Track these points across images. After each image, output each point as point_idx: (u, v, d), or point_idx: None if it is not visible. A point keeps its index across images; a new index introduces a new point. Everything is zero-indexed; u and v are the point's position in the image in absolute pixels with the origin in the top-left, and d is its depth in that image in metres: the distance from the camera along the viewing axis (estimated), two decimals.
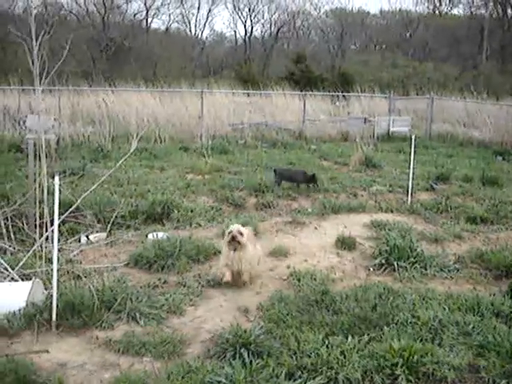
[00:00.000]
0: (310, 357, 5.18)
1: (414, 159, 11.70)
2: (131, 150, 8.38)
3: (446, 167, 16.11)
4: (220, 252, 8.10)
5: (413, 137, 11.97)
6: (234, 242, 6.96)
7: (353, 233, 9.32)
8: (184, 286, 7.13)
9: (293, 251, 8.55)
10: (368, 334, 5.72)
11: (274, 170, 13.35)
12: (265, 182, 12.38)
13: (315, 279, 7.23)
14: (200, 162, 15.52)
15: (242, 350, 5.29)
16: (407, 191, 11.92)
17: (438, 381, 5.12)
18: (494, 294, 7.06)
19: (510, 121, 23.28)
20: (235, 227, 7.08)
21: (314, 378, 4.92)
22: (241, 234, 6.96)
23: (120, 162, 8.48)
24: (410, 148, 11.75)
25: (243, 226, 7.43)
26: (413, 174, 11.77)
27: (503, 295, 7.08)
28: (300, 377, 4.97)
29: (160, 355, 5.46)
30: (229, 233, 7.02)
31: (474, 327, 6.01)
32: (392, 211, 11.21)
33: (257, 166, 14.87)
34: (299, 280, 7.26)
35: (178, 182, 12.94)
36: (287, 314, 6.19)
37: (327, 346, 5.34)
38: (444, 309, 6.35)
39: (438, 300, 6.65)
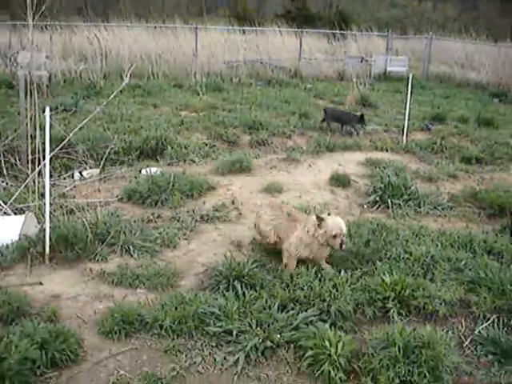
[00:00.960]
0: (302, 289, 5.22)
1: (410, 99, 11.54)
2: (123, 85, 8.24)
3: (442, 108, 15.96)
4: (214, 188, 8.11)
5: (410, 76, 11.77)
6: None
7: (347, 170, 9.30)
8: (178, 221, 7.12)
9: (287, 188, 8.52)
10: (361, 269, 5.76)
11: (324, 110, 13.35)
12: (259, 120, 12.24)
13: (309, 215, 7.19)
14: (194, 99, 15.32)
15: (236, 282, 5.32)
16: (403, 131, 11.81)
17: (428, 314, 5.18)
18: (486, 232, 7.11)
19: (507, 62, 22.97)
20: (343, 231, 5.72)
21: (306, 310, 4.97)
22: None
23: (111, 96, 8.34)
24: (407, 88, 11.58)
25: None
26: (409, 114, 11.63)
27: (496, 234, 7.12)
28: (292, 308, 5.02)
29: (154, 287, 5.49)
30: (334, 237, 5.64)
31: (466, 263, 6.06)
32: (387, 150, 11.14)
33: (251, 104, 14.66)
34: None
35: (172, 119, 12.75)
36: None
37: (320, 280, 5.37)
38: (436, 245, 6.38)
39: (430, 236, 6.68)
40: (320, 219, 5.67)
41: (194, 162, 9.77)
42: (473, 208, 8.15)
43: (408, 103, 11.50)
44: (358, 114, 13.13)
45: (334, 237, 5.57)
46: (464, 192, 8.67)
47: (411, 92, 11.56)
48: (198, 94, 15.81)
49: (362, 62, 23.52)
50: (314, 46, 26.44)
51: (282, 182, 8.71)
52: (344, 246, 5.65)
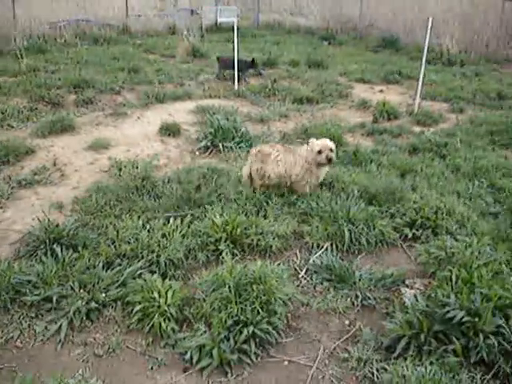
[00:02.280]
0: (129, 243, 4.84)
1: (240, 47, 11.35)
2: None
3: (273, 53, 15.97)
4: (33, 151, 7.47)
5: (235, 24, 11.54)
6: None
7: (178, 119, 8.96)
8: None
9: (115, 143, 8.02)
10: (191, 215, 5.47)
11: (217, 58, 13.18)
12: (84, 78, 11.47)
13: (137, 167, 6.79)
14: (14, 63, 14.08)
15: (55, 246, 4.82)
16: (233, 77, 11.63)
17: (262, 250, 5.04)
18: None
19: (335, 7, 23.54)
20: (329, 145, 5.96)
21: (134, 264, 4.60)
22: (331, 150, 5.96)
23: None
24: (233, 36, 11.36)
25: None
26: (238, 60, 11.46)
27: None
28: (120, 264, 4.64)
29: None
30: (318, 152, 5.86)
31: (298, 197, 5.98)
32: (219, 97, 10.90)
33: (76, 63, 13.76)
34: (120, 170, 6.79)
35: None
36: (105, 204, 5.76)
37: (148, 231, 5.02)
38: None
39: None
40: (309, 143, 6.01)
41: (12, 126, 8.90)
42: (304, 144, 8.13)
43: (237, 50, 11.30)
44: (249, 59, 13.14)
45: (319, 152, 5.83)
46: (295, 129, 8.66)
47: (242, 40, 11.39)
48: (19, 58, 14.55)
49: (192, 14, 23.04)
50: (144, 3, 25.46)
51: (110, 137, 8.19)
52: (332, 161, 5.94)
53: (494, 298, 3.84)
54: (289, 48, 18.16)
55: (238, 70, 12.30)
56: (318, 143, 5.93)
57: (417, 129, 9.33)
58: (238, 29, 11.40)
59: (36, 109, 9.98)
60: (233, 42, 11.44)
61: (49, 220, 5.13)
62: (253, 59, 13.08)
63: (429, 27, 9.58)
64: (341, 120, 9.47)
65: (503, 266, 4.56)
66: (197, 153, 7.73)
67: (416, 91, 10.38)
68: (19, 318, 4.16)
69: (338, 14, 23.27)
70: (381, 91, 12.47)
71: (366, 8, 21.81)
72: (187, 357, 3.74)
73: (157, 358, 3.79)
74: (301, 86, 12.25)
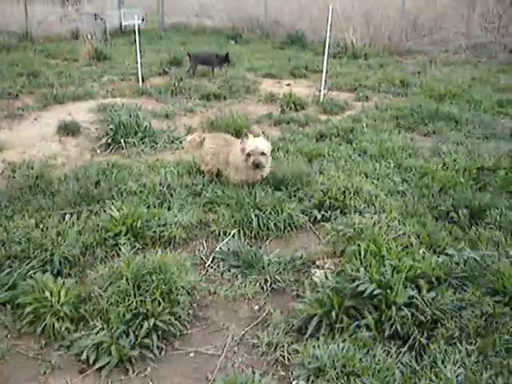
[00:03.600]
0: (20, 243, 4.45)
1: (145, 49, 11.09)
2: None
3: (178, 53, 15.68)
4: None
5: (136, 27, 11.18)
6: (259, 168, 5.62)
7: (78, 118, 8.52)
8: None
9: (9, 145, 7.51)
10: (89, 210, 5.14)
11: (188, 54, 13.30)
12: None
13: (32, 168, 6.36)
14: None
15: None
16: (138, 77, 11.30)
17: (166, 241, 4.80)
18: None
19: (240, 6, 23.52)
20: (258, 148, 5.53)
21: (25, 265, 4.23)
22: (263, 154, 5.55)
23: None
24: (135, 38, 11.00)
25: None
26: (141, 61, 11.13)
27: None
28: (10, 266, 4.24)
29: None
30: (247, 155, 5.50)
31: (203, 187, 5.77)
32: (124, 96, 10.54)
33: None
34: (14, 171, 6.34)
35: None
36: None
37: (42, 230, 4.65)
38: (173, 174, 5.99)
39: (167, 168, 6.25)
40: (242, 141, 5.65)
41: None
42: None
43: (139, 51, 10.97)
44: (223, 54, 13.35)
45: (248, 155, 5.46)
46: (202, 123, 8.45)
47: (148, 42, 11.08)
48: None
49: (96, 19, 22.40)
50: (45, 8, 24.58)
51: (3, 140, 7.66)
52: (261, 166, 5.54)
53: (405, 270, 3.76)
54: (195, 48, 17.90)
55: (212, 64, 13.19)
56: (249, 144, 5.49)
57: (323, 117, 9.32)
58: (139, 32, 11.06)
59: None
60: (135, 42, 11.08)
61: None
62: (227, 53, 13.29)
63: (329, 16, 9.60)
64: (249, 113, 9.32)
65: (412, 238, 4.52)
66: (98, 150, 7.37)
67: (321, 82, 10.40)
68: None
69: (244, 14, 23.26)
70: (288, 85, 12.43)
71: (270, 7, 21.87)
72: (83, 357, 3.43)
73: (50, 362, 3.46)
74: (207, 83, 12.03)
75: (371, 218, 4.79)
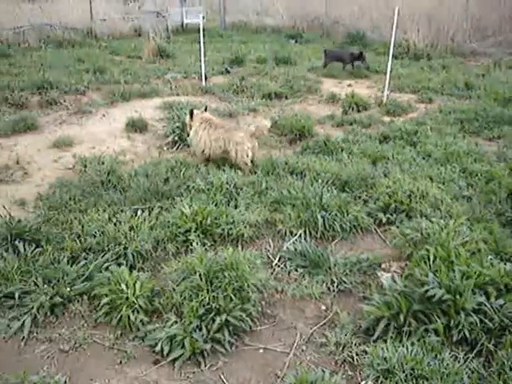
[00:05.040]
0: (95, 237, 4.65)
1: (207, 47, 11.24)
2: None
3: (240, 52, 15.84)
4: None
5: (201, 24, 11.34)
6: None
7: (145, 116, 8.74)
8: None
9: (79, 140, 7.79)
10: (160, 207, 5.30)
11: (324, 51, 14.06)
12: (48, 80, 11.18)
13: (103, 163, 6.59)
14: None
15: (17, 241, 4.60)
16: (201, 76, 11.48)
17: (234, 239, 4.90)
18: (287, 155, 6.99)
19: (301, 6, 23.55)
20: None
21: (100, 258, 4.41)
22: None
23: None
24: (199, 36, 11.17)
25: None
26: (205, 59, 11.31)
27: (297, 155, 7.05)
28: (85, 258, 4.45)
29: None
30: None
31: (268, 186, 5.86)
32: (187, 94, 10.73)
33: (40, 66, 13.45)
34: (85, 166, 6.59)
35: None
36: (70, 200, 5.55)
37: (115, 224, 4.83)
38: (238, 173, 6.10)
39: (232, 167, 6.38)
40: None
41: None
42: (274, 136, 8.05)
43: (203, 50, 11.14)
44: (357, 52, 13.87)
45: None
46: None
47: (209, 41, 11.24)
48: None
49: (157, 16, 22.81)
50: (109, 6, 25.16)
51: (74, 135, 7.96)
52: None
53: (474, 276, 3.75)
54: (256, 47, 18.07)
55: (344, 61, 13.81)
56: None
57: (386, 119, 9.30)
58: (204, 29, 11.23)
59: None
60: (199, 42, 11.26)
61: (10, 216, 4.91)
62: (361, 52, 13.73)
63: (395, 17, 9.55)
64: (310, 113, 9.36)
65: (481, 244, 4.49)
66: (164, 148, 7.57)
67: (384, 83, 10.36)
68: None
69: (304, 13, 23.28)
70: (349, 85, 12.42)
71: (331, 6, 21.82)
72: (157, 348, 3.57)
73: (126, 352, 3.61)
74: (269, 82, 12.11)
75: (438, 223, 4.78)
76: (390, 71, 10.31)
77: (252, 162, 6.59)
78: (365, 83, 12.77)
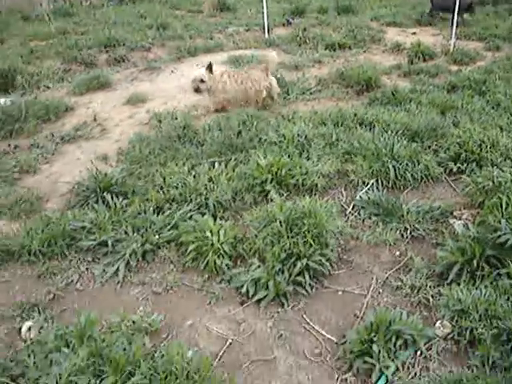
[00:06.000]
0: (177, 188, 4.93)
1: None
2: None
3: (300, 2, 15.72)
4: (72, 108, 7.58)
5: None
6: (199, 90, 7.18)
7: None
8: (37, 147, 6.54)
9: (151, 96, 8.07)
10: (235, 159, 5.52)
11: (431, 1, 13.46)
12: (115, 37, 11.47)
13: (177, 118, 6.86)
14: (42, 27, 14.15)
15: (105, 194, 4.93)
16: (263, 28, 11.53)
17: (308, 189, 5.08)
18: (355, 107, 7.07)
19: None
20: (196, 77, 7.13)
21: (183, 207, 4.70)
22: (202, 81, 7.08)
23: None
24: None
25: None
26: (267, 11, 11.33)
27: (365, 107, 7.12)
28: (169, 208, 4.74)
29: (16, 215, 4.99)
30: (192, 82, 7.17)
31: (339, 138, 5.98)
32: (250, 48, 10.84)
33: (105, 23, 13.77)
34: (160, 121, 6.86)
35: (21, 50, 11.69)
36: (150, 153, 5.85)
37: (194, 176, 5.09)
38: (309, 125, 6.23)
39: (302, 119, 6.53)
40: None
41: (48, 87, 9.00)
42: (341, 88, 8.11)
43: (265, 1, 11.16)
44: (466, 2, 12.52)
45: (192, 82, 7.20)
46: (330, 74, 8.59)
47: None
48: (47, 22, 14.60)
49: None
50: None
51: (146, 91, 8.24)
52: (199, 90, 7.20)
53: None
54: None
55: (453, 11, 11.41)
56: (194, 74, 7.17)
57: (454, 68, 9.19)
58: None
59: (70, 69, 10.09)
60: None
61: (97, 170, 5.24)
62: (470, 3, 12.77)
63: None
64: (375, 64, 9.34)
65: None
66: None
67: (451, 30, 10.19)
68: (77, 263, 4.30)
69: None
70: (414, 33, 12.24)
71: None
72: (243, 290, 3.84)
73: (214, 293, 3.89)
74: (332, 32, 12.06)
75: (510, 172, 4.83)
76: (457, 18, 10.12)
77: (272, 97, 7.38)
78: (429, 31, 12.56)
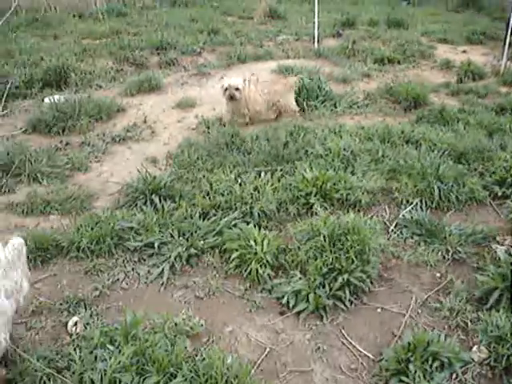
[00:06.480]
0: (223, 195, 5.05)
1: (318, 8, 11.29)
2: (12, 9, 7.53)
3: (351, 14, 15.75)
4: (123, 109, 7.77)
5: None
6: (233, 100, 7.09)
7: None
8: (88, 145, 6.77)
9: (200, 102, 8.24)
10: (281, 170, 5.61)
11: None
12: (166, 40, 11.70)
13: (224, 125, 7.00)
14: (96, 26, 14.48)
15: (153, 196, 5.09)
16: (314, 38, 11.61)
17: (351, 204, 5.13)
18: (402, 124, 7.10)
19: None
20: (232, 84, 7.05)
21: (228, 215, 4.81)
22: (237, 89, 7.03)
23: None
24: None
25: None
26: (318, 21, 11.41)
27: (412, 124, 7.13)
28: (214, 215, 4.87)
29: (67, 211, 5.19)
30: (225, 90, 7.05)
31: (385, 154, 6.02)
32: (299, 57, 10.93)
33: (157, 26, 14.03)
34: (208, 127, 7.02)
35: (74, 48, 12.00)
36: (197, 159, 6.00)
37: (240, 184, 5.21)
38: (355, 140, 6.29)
39: (348, 133, 6.59)
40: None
41: (100, 86, 9.26)
42: (388, 103, 8.15)
43: (316, 11, 11.24)
44: None
45: (225, 90, 7.09)
46: (378, 89, 8.63)
47: (319, 1, 11.27)
48: (100, 21, 14.95)
49: None
50: None
51: (195, 96, 8.41)
52: (234, 98, 7.03)
53: None
54: (367, 8, 17.87)
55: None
56: (227, 82, 7.07)
57: (503, 89, 9.11)
58: None
59: (122, 70, 10.33)
60: (308, 2, 11.34)
61: (147, 172, 5.40)
62: None
63: None
64: (424, 80, 9.34)
65: None
66: None
67: (503, 51, 10.10)
68: (123, 262, 4.45)
69: None
70: (464, 52, 12.14)
71: None
72: (284, 301, 3.93)
73: (254, 302, 3.99)
74: (381, 46, 12.06)
75: None
76: (509, 38, 10.02)
77: (280, 113, 7.54)
78: (480, 50, 12.43)
